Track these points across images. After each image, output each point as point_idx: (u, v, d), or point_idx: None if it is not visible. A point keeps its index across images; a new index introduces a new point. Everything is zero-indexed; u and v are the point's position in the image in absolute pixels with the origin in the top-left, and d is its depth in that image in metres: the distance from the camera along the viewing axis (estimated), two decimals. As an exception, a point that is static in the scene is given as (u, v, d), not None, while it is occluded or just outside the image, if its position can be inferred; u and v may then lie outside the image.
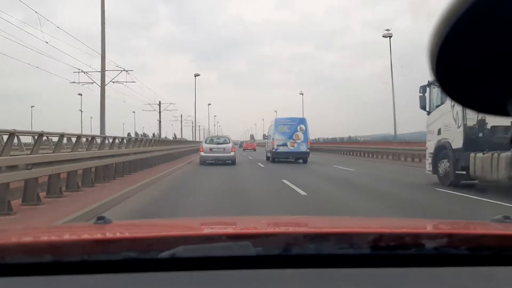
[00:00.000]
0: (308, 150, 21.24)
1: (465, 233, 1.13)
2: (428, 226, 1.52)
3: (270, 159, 21.98)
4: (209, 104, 78.33)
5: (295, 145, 21.08)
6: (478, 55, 0.48)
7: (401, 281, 0.93)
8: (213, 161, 18.75)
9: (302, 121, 22.01)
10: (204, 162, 18.86)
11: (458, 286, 0.93)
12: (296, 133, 21.21)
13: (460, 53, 0.49)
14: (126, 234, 1.25)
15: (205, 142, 20.13)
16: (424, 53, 0.51)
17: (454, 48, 0.48)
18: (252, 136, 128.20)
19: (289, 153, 21.17)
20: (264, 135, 27.25)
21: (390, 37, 29.57)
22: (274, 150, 21.13)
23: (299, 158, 21.34)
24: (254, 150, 48.71)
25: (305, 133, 21.34)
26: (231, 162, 19.02)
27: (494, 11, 0.44)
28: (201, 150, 19.62)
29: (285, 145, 21.07)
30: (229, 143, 19.77)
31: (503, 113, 0.53)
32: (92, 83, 25.92)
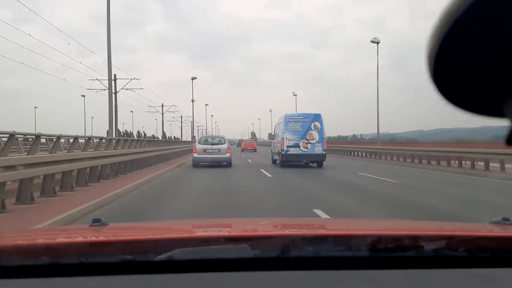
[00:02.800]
0: (324, 152, 17.77)
1: (464, 235, 1.13)
2: (426, 228, 1.52)
3: (278, 162, 18.49)
4: (206, 105, 78.09)
5: (309, 146, 17.62)
6: (476, 56, 0.48)
7: (399, 283, 0.93)
8: (207, 163, 17.48)
9: (317, 117, 18.23)
10: (197, 164, 17.55)
11: (456, 287, 0.92)
12: (310, 132, 17.77)
13: (458, 55, 0.49)
14: (123, 237, 1.25)
15: (199, 143, 18.54)
16: (419, 52, 0.51)
17: (452, 50, 0.48)
18: (253, 134, 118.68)
19: (302, 155, 17.66)
20: (269, 134, 22.96)
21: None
22: (284, 152, 17.58)
23: (313, 161, 17.98)
24: (255, 150, 42.53)
25: (321, 131, 17.86)
26: (227, 164, 17.63)
27: (493, 11, 0.44)
28: (194, 151, 18.10)
29: (297, 146, 17.59)
30: (224, 143, 18.33)
31: (499, 114, 0.53)
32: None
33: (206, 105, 77.01)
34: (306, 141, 17.70)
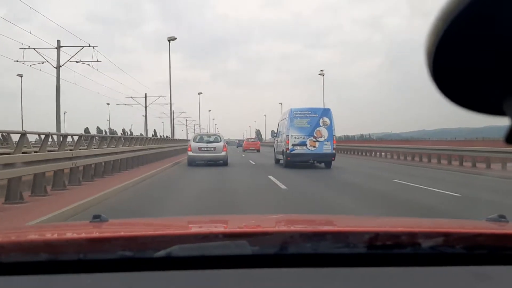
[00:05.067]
0: (333, 152, 16.04)
1: (460, 232, 1.13)
2: (424, 225, 1.52)
3: (282, 162, 16.83)
4: (209, 110, 78.01)
5: (317, 144, 15.91)
6: (475, 54, 0.49)
7: (397, 280, 0.93)
8: (202, 162, 17.06)
9: (326, 112, 16.45)
10: (192, 162, 17.10)
11: (453, 285, 0.93)
12: (318, 128, 16.01)
13: (458, 52, 0.49)
14: (122, 233, 1.25)
15: (194, 141, 17.99)
16: (419, 51, 0.51)
17: (452, 47, 0.48)
18: (258, 133, 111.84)
19: (309, 155, 15.97)
20: (272, 132, 20.88)
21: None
22: (288, 151, 15.92)
23: (322, 161, 16.36)
24: (258, 150, 37.78)
25: (330, 128, 16.10)
26: (223, 162, 17.23)
27: (492, 9, 0.44)
28: (189, 149, 17.55)
29: (303, 144, 15.89)
30: (220, 141, 17.81)
31: (499, 112, 0.53)
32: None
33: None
34: (314, 139, 15.97)
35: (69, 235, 1.32)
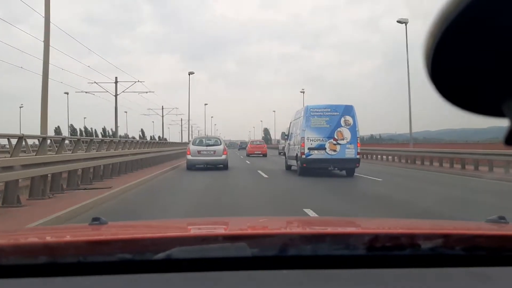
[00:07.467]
0: (358, 157, 13.44)
1: (460, 233, 1.13)
2: (423, 227, 1.53)
3: (296, 168, 14.39)
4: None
5: (338, 148, 13.33)
6: (473, 55, 0.49)
7: (397, 282, 0.93)
8: (202, 165, 16.80)
9: (348, 110, 13.73)
10: (192, 166, 16.83)
11: (453, 286, 0.93)
12: (339, 129, 13.41)
13: (456, 54, 0.49)
14: (122, 235, 1.25)
15: (193, 144, 17.67)
16: (418, 52, 0.51)
17: (450, 49, 0.48)
18: (267, 132, 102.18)
19: (329, 160, 13.37)
20: (283, 134, 18.25)
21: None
22: (304, 156, 13.31)
23: (343, 168, 13.80)
24: (264, 155, 32.52)
25: (353, 129, 13.48)
26: (223, 166, 16.98)
27: (491, 11, 0.44)
28: (188, 153, 17.22)
29: (322, 147, 13.33)
30: (220, 144, 17.45)
31: (498, 114, 0.53)
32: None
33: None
34: (334, 142, 13.38)
35: (69, 237, 1.32)
